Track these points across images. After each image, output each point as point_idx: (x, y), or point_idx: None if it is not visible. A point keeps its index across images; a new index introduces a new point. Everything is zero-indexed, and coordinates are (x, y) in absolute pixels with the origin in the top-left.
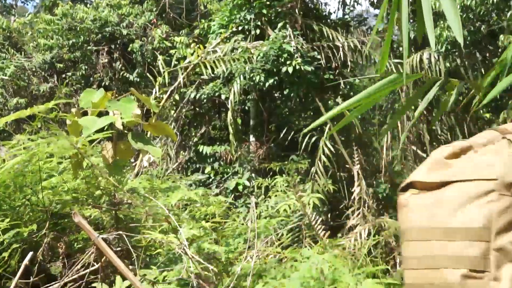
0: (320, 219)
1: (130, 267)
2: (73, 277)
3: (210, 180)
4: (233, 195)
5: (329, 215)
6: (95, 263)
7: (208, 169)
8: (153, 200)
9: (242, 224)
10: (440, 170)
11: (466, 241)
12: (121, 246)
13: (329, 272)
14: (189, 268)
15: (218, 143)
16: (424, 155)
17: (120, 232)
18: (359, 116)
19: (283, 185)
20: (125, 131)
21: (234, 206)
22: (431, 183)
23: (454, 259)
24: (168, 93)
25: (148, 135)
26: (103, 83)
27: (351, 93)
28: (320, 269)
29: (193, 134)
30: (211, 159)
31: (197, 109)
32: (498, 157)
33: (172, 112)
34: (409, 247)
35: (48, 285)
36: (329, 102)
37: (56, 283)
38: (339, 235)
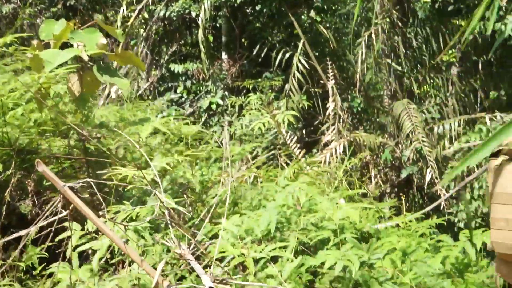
0: (295, 137)
1: (100, 212)
2: (43, 223)
3: (183, 99)
4: (206, 114)
5: (303, 131)
6: (63, 210)
7: (180, 88)
8: (123, 135)
9: (217, 146)
10: None
11: None
12: (91, 191)
13: (305, 200)
14: (161, 204)
15: (190, 59)
16: (399, 68)
17: (88, 179)
18: (333, 26)
19: (257, 103)
20: (91, 63)
21: (208, 125)
22: None
23: None
24: (137, 11)
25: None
26: (68, 3)
27: (324, 7)
28: (296, 198)
29: (164, 52)
30: (183, 78)
31: (168, 26)
32: None
33: (142, 30)
34: (498, 209)
35: (18, 233)
36: (302, 16)
37: (25, 231)
38: (314, 150)
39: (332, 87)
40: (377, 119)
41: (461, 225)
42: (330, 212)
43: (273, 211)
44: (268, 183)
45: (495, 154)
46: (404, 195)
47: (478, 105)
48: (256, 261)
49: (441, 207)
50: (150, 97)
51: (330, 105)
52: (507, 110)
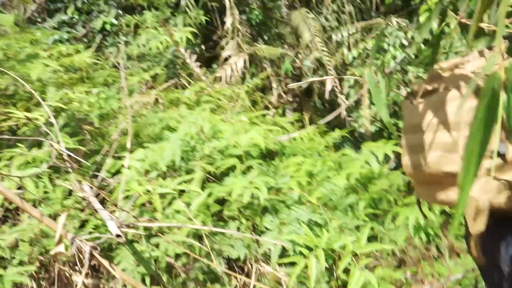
0: (195, 56)
1: None
2: None
3: (75, 20)
4: (101, 35)
5: (202, 47)
6: None
7: (71, 8)
8: (10, 75)
9: (114, 67)
10: (434, 81)
11: (443, 131)
12: None
13: (209, 128)
14: (58, 144)
15: None
16: None
17: None
18: None
19: (153, 21)
20: None
21: (104, 46)
22: (425, 91)
23: (433, 145)
24: None
25: None
26: None
27: None
28: (200, 127)
29: None
30: None
31: None
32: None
33: None
34: (406, 138)
35: None
36: None
37: None
38: (215, 66)
39: (229, 0)
40: (276, 30)
41: (362, 130)
42: (235, 139)
43: (176, 142)
44: (170, 111)
45: (407, 96)
46: (305, 104)
47: (374, 10)
48: (163, 195)
49: (341, 114)
50: (39, 20)
51: (228, 19)
52: (402, 15)
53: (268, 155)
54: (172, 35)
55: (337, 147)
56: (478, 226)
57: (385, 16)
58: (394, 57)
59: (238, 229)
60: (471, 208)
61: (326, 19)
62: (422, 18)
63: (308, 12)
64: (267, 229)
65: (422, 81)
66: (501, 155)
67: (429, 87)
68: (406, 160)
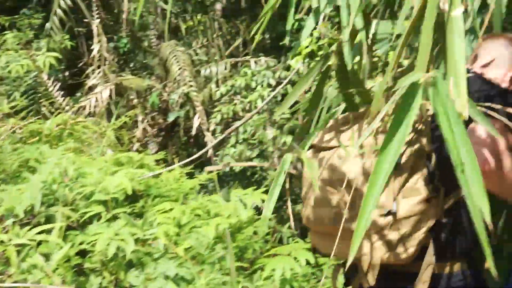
0: (59, 84)
1: None
2: None
3: None
4: None
5: (67, 73)
6: None
7: None
8: None
9: None
10: (330, 137)
11: (338, 188)
12: None
13: (74, 170)
14: None
15: None
16: (165, 6)
17: None
18: None
19: (14, 42)
20: None
21: None
22: (322, 147)
23: (329, 200)
24: None
25: None
26: None
27: None
28: (63, 169)
29: None
30: None
31: None
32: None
33: None
34: (305, 191)
35: None
36: None
37: None
38: (79, 94)
39: (97, 26)
40: (145, 61)
41: (227, 169)
42: (101, 184)
43: (37, 185)
44: (29, 146)
45: (308, 148)
46: (171, 139)
47: (242, 47)
48: (19, 245)
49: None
50: None
51: (95, 46)
52: (270, 53)
53: (133, 197)
54: (35, 59)
55: (202, 185)
56: (370, 279)
57: (254, 53)
58: (261, 97)
59: (100, 284)
60: (365, 263)
61: (196, 53)
62: (292, 62)
63: (177, 45)
64: (131, 285)
65: (320, 136)
66: (392, 213)
67: (327, 144)
68: (304, 212)
